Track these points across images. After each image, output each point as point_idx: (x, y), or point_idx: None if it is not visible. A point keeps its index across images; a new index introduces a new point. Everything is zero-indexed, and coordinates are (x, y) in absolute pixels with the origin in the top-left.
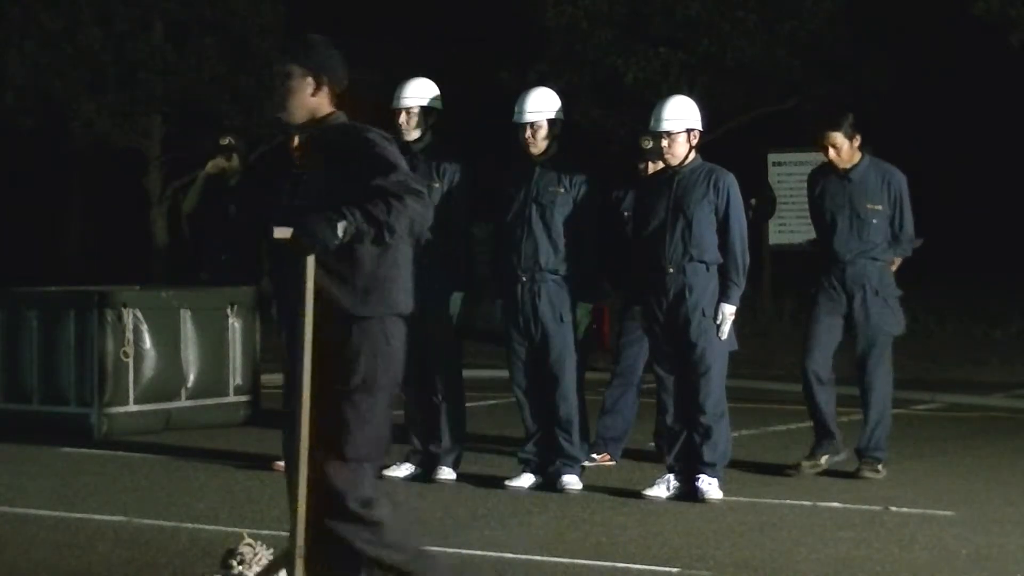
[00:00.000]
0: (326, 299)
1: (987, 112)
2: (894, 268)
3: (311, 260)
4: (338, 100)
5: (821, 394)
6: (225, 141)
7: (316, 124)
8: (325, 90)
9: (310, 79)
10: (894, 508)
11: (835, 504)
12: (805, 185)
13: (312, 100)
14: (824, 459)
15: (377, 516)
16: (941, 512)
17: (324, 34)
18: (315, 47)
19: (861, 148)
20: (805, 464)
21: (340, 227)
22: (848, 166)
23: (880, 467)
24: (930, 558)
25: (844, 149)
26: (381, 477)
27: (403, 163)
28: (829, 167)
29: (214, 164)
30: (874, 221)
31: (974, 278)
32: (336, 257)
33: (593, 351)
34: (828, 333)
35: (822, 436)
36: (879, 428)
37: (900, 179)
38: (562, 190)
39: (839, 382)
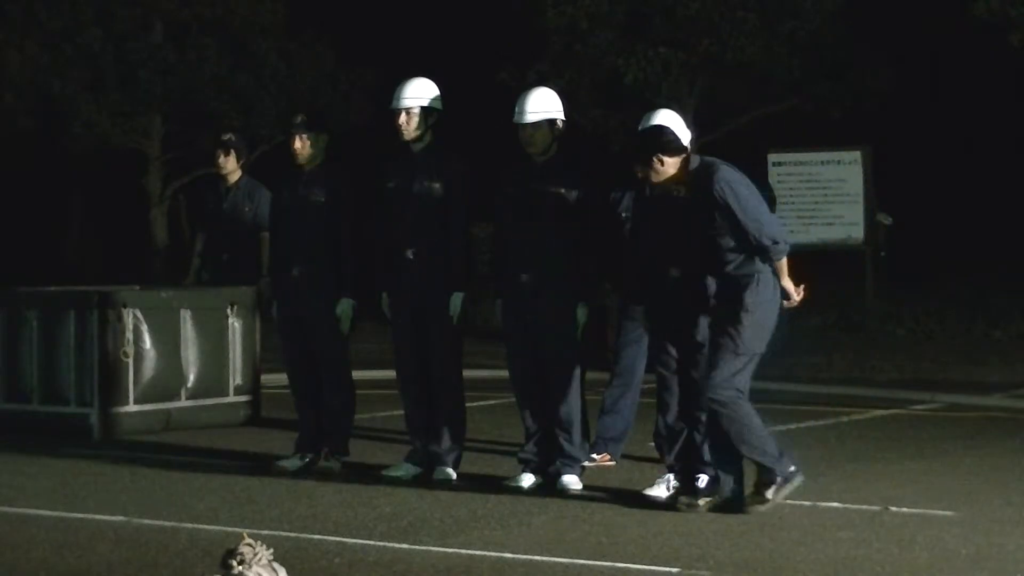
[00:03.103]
0: None
1: (987, 112)
2: (782, 278)
3: None
4: None
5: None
6: (226, 136)
7: None
8: None
9: None
10: (894, 508)
11: (835, 504)
12: (805, 185)
13: None
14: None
15: None
16: (941, 512)
17: (324, 34)
18: None
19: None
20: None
21: None
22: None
23: (770, 492)
24: (930, 558)
25: (666, 172)
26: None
27: None
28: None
29: None
30: (717, 239)
31: (974, 278)
32: None
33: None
34: None
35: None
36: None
37: (724, 183)
38: (562, 190)
39: (832, 381)
